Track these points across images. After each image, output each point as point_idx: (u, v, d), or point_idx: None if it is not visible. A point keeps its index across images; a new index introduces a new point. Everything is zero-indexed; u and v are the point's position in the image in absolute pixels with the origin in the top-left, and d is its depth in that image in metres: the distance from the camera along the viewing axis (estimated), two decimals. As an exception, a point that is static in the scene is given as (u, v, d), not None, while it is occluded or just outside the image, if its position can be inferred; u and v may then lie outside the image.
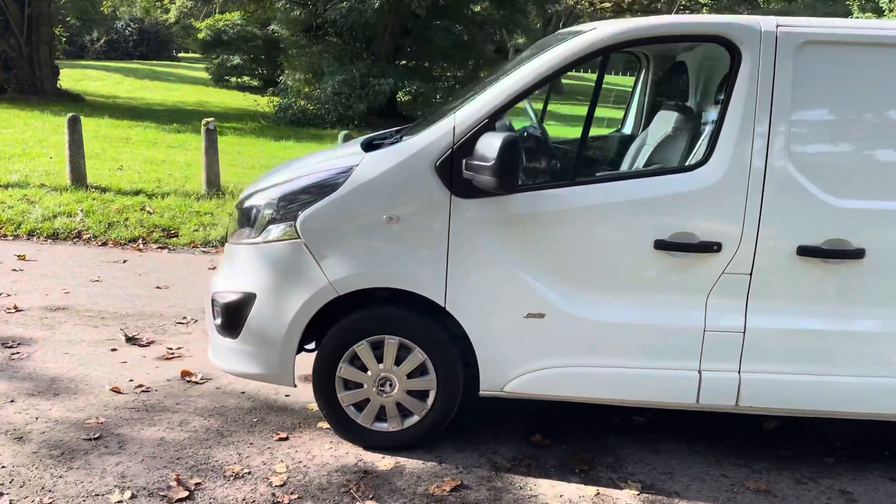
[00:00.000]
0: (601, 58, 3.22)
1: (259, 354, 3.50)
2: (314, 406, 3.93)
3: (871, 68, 3.15)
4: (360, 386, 3.49)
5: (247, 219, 3.56)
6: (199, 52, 34.92)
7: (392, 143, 3.42)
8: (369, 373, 3.47)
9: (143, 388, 4.05)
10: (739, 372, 3.35)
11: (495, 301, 3.34)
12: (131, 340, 4.70)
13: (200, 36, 29.98)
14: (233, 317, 3.51)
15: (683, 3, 44.78)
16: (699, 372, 3.37)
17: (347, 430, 3.57)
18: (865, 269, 3.23)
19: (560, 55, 3.21)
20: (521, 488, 3.30)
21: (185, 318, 5.17)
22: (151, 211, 7.96)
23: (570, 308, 3.33)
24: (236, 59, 30.03)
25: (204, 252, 7.05)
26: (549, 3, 24.41)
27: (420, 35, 19.61)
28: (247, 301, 3.47)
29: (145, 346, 4.64)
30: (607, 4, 43.68)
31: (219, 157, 9.08)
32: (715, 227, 3.23)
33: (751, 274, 3.26)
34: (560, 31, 4.20)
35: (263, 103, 21.33)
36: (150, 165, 10.61)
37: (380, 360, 3.45)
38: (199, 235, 7.39)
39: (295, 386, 3.58)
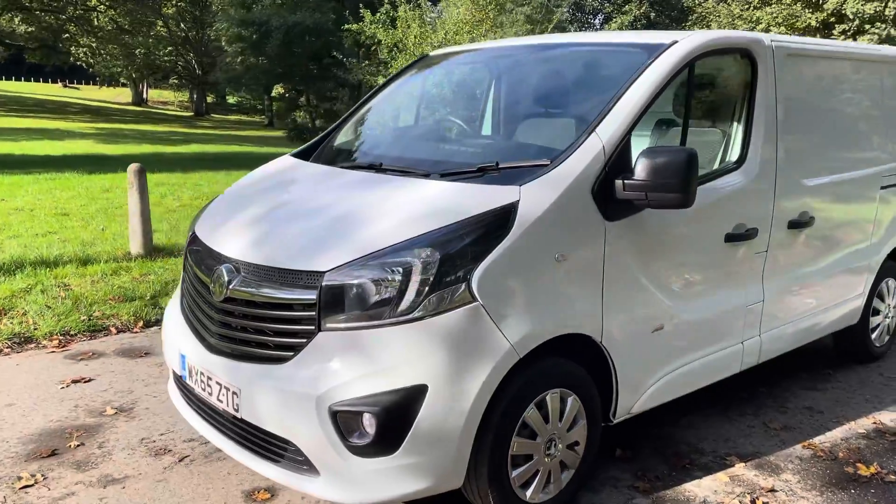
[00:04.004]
0: (688, 68, 3.35)
1: (429, 463, 2.67)
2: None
3: (828, 74, 4.03)
4: (530, 458, 2.97)
5: (365, 294, 2.64)
6: None
7: (539, 172, 2.94)
8: (539, 439, 2.97)
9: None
10: (760, 335, 3.94)
11: (633, 323, 3.23)
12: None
13: None
14: (395, 425, 2.59)
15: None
16: (742, 343, 3.84)
17: (517, 515, 2.99)
18: (814, 232, 4.13)
19: (664, 68, 3.22)
20: (686, 500, 3.30)
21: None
22: None
23: (678, 312, 3.42)
24: None
25: None
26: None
27: None
28: (415, 397, 2.60)
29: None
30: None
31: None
32: (754, 215, 3.71)
33: (766, 251, 3.84)
34: (438, 50, 4.12)
35: None
36: None
37: (545, 420, 2.99)
38: None
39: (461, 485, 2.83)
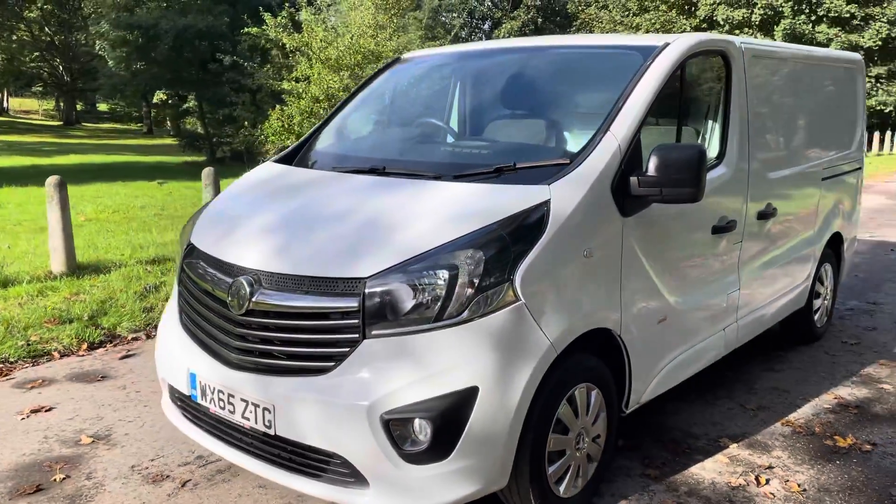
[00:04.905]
0: (681, 69, 3.47)
1: (479, 465, 2.65)
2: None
3: (783, 74, 4.28)
4: (562, 454, 3.00)
5: (410, 299, 2.60)
6: None
7: (565, 169, 2.97)
8: (570, 434, 3.01)
9: None
10: (737, 320, 4.15)
11: (643, 315, 3.33)
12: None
13: None
14: (450, 428, 2.57)
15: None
16: (724, 330, 4.03)
17: (554, 511, 3.01)
18: (776, 222, 4.39)
19: (664, 68, 3.34)
20: (697, 483, 3.43)
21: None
22: None
23: (677, 303, 3.55)
24: None
25: None
26: None
27: None
28: (467, 400, 2.58)
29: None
30: None
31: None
32: (733, 207, 3.89)
33: (742, 241, 4.05)
34: (417, 52, 4.14)
35: None
36: None
37: (575, 414, 3.03)
38: None
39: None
